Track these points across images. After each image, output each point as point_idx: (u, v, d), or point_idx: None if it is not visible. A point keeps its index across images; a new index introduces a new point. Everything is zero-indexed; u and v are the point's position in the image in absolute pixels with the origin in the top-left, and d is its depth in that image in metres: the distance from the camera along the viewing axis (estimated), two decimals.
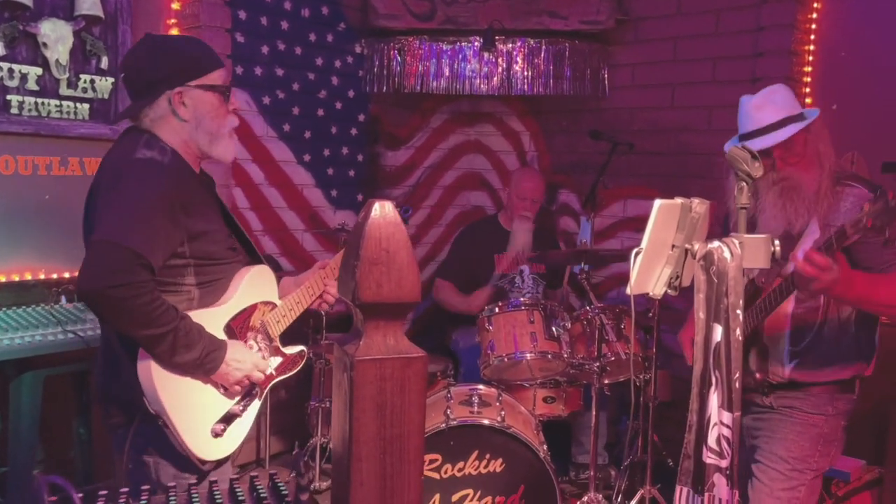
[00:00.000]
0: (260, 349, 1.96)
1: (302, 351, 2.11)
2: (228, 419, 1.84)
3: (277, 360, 2.03)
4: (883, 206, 1.73)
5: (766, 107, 2.12)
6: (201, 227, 1.80)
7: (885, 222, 1.74)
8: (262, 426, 3.68)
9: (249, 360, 1.85)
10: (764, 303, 2.11)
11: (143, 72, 1.84)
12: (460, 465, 2.73)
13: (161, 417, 1.71)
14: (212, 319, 1.81)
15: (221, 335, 1.83)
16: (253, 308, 1.94)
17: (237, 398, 1.88)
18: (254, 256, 2.06)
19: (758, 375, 2.17)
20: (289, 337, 2.14)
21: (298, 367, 2.10)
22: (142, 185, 1.70)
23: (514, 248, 3.82)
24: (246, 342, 1.91)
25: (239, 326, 1.89)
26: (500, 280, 3.85)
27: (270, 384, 2.01)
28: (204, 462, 1.78)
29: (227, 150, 1.91)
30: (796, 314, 2.15)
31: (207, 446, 1.79)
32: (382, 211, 1.08)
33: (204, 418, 1.79)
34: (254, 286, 1.95)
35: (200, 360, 1.72)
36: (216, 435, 1.80)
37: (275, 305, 2.02)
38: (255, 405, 1.94)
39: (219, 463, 1.84)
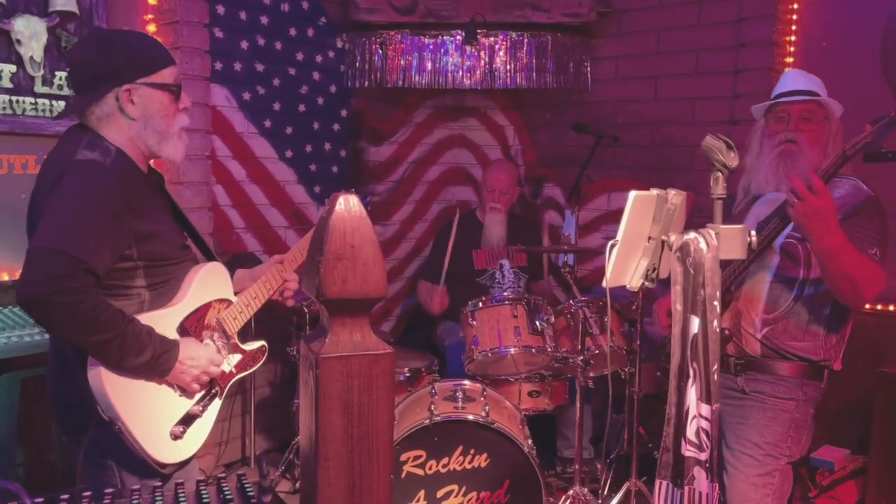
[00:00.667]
0: (217, 348, 1.93)
1: (262, 346, 2.08)
2: (188, 420, 1.80)
3: (237, 356, 2.00)
4: (887, 121, 1.90)
5: (802, 78, 2.32)
6: (149, 228, 1.76)
7: (883, 135, 1.91)
8: (247, 425, 3.66)
9: (204, 355, 1.82)
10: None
11: (89, 67, 1.78)
12: (445, 460, 2.72)
13: (116, 423, 1.67)
14: (164, 321, 1.78)
15: (174, 336, 1.79)
16: (207, 306, 1.90)
17: (196, 398, 1.85)
18: (207, 254, 2.03)
19: (727, 332, 2.20)
20: (270, 334, 2.11)
21: (260, 363, 2.07)
22: (83, 187, 1.65)
23: (487, 241, 3.81)
24: (202, 340, 1.88)
25: (193, 326, 1.86)
26: (479, 276, 3.84)
27: (231, 382, 1.99)
28: (164, 465, 1.75)
29: (176, 150, 1.86)
30: (774, 282, 2.21)
31: (167, 449, 1.75)
32: (347, 205, 1.06)
33: (162, 421, 1.75)
34: (207, 284, 1.91)
35: (152, 362, 1.69)
36: (175, 437, 1.76)
37: (230, 302, 1.99)
38: (216, 404, 1.91)
39: (181, 465, 1.81)
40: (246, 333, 2.05)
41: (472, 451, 2.73)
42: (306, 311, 3.36)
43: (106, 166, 1.70)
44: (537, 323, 3.06)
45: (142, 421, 1.70)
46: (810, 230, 1.98)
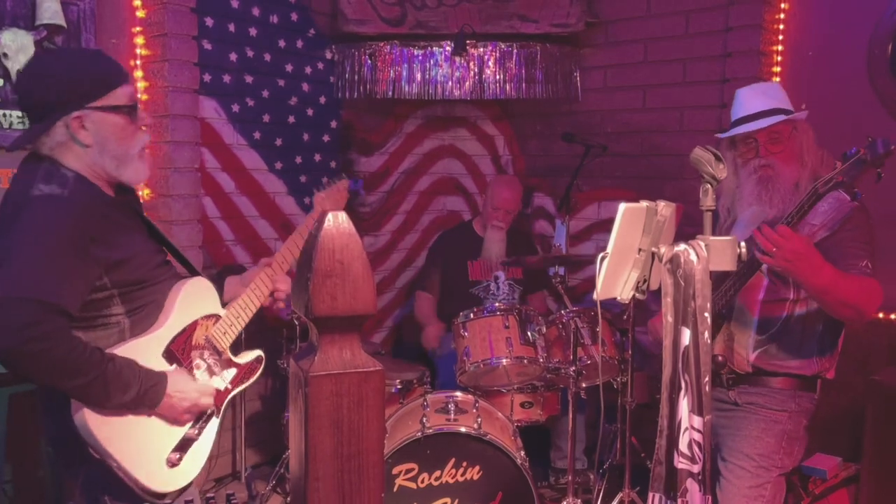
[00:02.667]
0: (209, 366, 1.87)
1: (259, 356, 2.02)
2: (184, 446, 1.76)
3: (231, 371, 1.94)
4: (856, 160, 1.85)
5: (758, 97, 2.24)
6: (121, 254, 1.68)
7: (854, 175, 1.86)
8: (237, 439, 3.63)
9: (193, 388, 1.75)
10: (732, 280, 2.13)
11: (34, 95, 1.68)
12: (437, 473, 2.70)
13: (108, 462, 1.63)
14: (148, 348, 1.72)
15: (161, 363, 1.73)
16: (194, 325, 1.83)
17: (190, 423, 1.80)
18: (190, 269, 1.96)
19: (720, 358, 2.19)
20: (260, 347, 2.06)
21: (257, 374, 2.01)
22: (42, 225, 1.56)
23: (486, 257, 3.81)
24: (191, 363, 1.82)
25: (180, 348, 1.79)
26: (474, 287, 3.83)
27: (227, 399, 1.94)
28: (163, 496, 1.70)
29: (137, 172, 1.76)
30: (765, 303, 2.20)
31: (165, 478, 1.71)
32: (336, 221, 1.05)
33: (156, 451, 1.70)
34: (191, 302, 1.83)
35: (138, 398, 1.63)
36: (173, 465, 1.72)
37: (218, 317, 1.91)
38: (213, 423, 1.86)
39: (181, 491, 1.77)
40: (238, 346, 2.00)
41: (464, 464, 2.72)
42: (297, 323, 3.35)
43: (65, 198, 1.61)
44: (529, 333, 3.06)
45: (135, 454, 1.65)
46: (797, 274, 1.96)
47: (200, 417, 1.82)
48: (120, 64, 1.79)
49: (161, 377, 1.69)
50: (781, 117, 2.18)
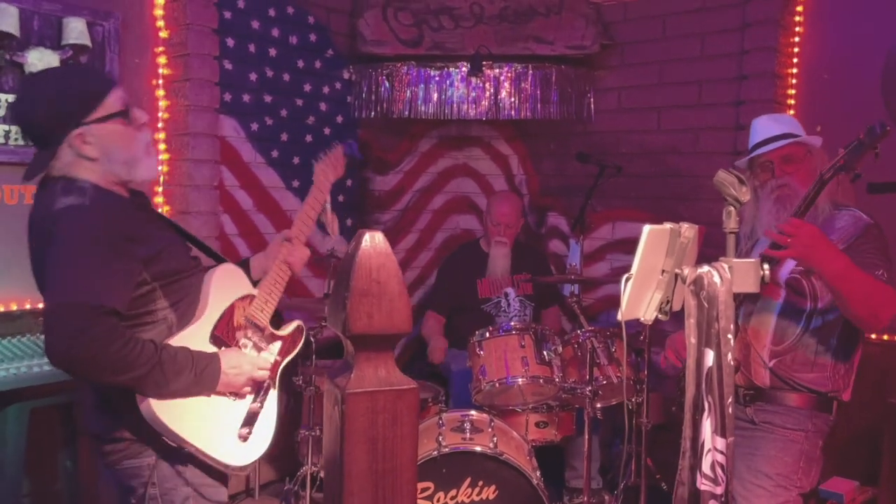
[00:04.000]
0: (255, 343, 1.94)
1: (299, 326, 2.09)
2: (251, 419, 1.84)
3: (277, 344, 2.01)
4: (856, 144, 1.96)
5: (773, 123, 2.35)
6: (154, 248, 1.75)
7: (854, 159, 1.96)
8: None
9: (246, 362, 1.83)
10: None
11: (32, 123, 1.75)
12: (453, 493, 2.70)
13: (185, 447, 1.70)
14: (195, 337, 1.79)
15: (210, 348, 1.80)
16: (232, 308, 1.90)
17: (252, 397, 1.87)
18: (215, 258, 2.03)
19: (734, 363, 2.20)
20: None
21: (301, 343, 2.08)
22: (76, 232, 1.63)
23: (492, 273, 3.83)
24: (238, 344, 1.89)
25: (224, 331, 1.87)
26: (484, 304, 3.85)
27: (279, 369, 2.00)
28: (244, 468, 1.80)
29: (148, 169, 1.83)
30: (781, 315, 2.23)
31: (241, 453, 1.80)
32: (373, 241, 1.07)
33: (227, 429, 1.79)
34: (224, 287, 1.90)
35: (196, 380, 1.70)
36: (244, 439, 1.81)
37: (253, 297, 1.98)
38: (273, 395, 1.93)
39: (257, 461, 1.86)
40: (278, 320, 2.06)
41: (480, 483, 2.72)
42: (312, 340, 3.36)
43: (87, 206, 1.67)
44: (545, 353, 3.07)
45: (209, 436, 1.72)
46: (816, 260, 2.00)
47: (260, 390, 1.89)
48: (101, 71, 1.83)
49: (214, 357, 1.76)
50: (794, 139, 2.28)
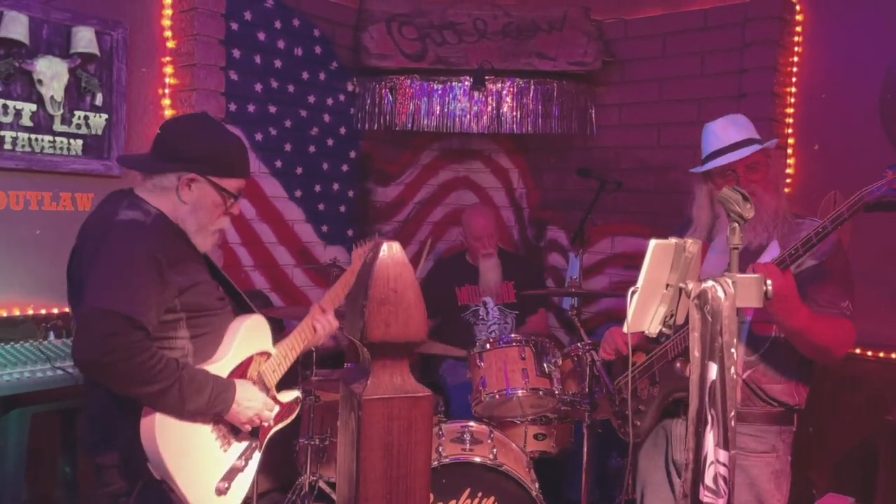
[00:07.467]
0: None
1: (297, 398, 2.12)
2: (231, 475, 1.83)
3: (275, 409, 2.02)
4: (862, 204, 1.87)
5: (729, 128, 2.28)
6: (191, 279, 1.81)
7: (857, 212, 1.87)
8: None
9: (259, 398, 1.87)
10: None
11: (175, 143, 1.87)
12: (452, 503, 2.71)
13: (166, 481, 1.70)
14: (213, 372, 1.81)
15: None
16: (249, 360, 1.94)
17: (238, 452, 1.87)
18: (243, 306, 2.06)
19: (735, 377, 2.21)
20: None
21: (294, 414, 2.11)
22: (127, 246, 1.70)
23: (485, 287, 3.86)
24: None
25: (238, 378, 1.89)
26: (463, 312, 3.87)
27: (269, 435, 2.01)
28: None
29: (206, 243, 1.93)
30: (753, 324, 2.21)
31: None
32: (390, 251, 1.10)
33: (207, 477, 1.78)
34: (250, 337, 1.95)
35: (211, 401, 1.73)
36: (220, 493, 1.79)
37: (270, 355, 2.02)
38: (256, 457, 1.94)
39: None
40: (280, 384, 2.08)
41: (479, 494, 2.73)
42: (313, 350, 3.37)
43: (146, 225, 1.75)
44: (545, 365, 3.08)
45: (190, 477, 1.72)
46: (775, 313, 1.99)
47: (248, 447, 1.89)
48: (249, 161, 1.99)
49: (231, 384, 1.80)
50: (758, 147, 2.21)
